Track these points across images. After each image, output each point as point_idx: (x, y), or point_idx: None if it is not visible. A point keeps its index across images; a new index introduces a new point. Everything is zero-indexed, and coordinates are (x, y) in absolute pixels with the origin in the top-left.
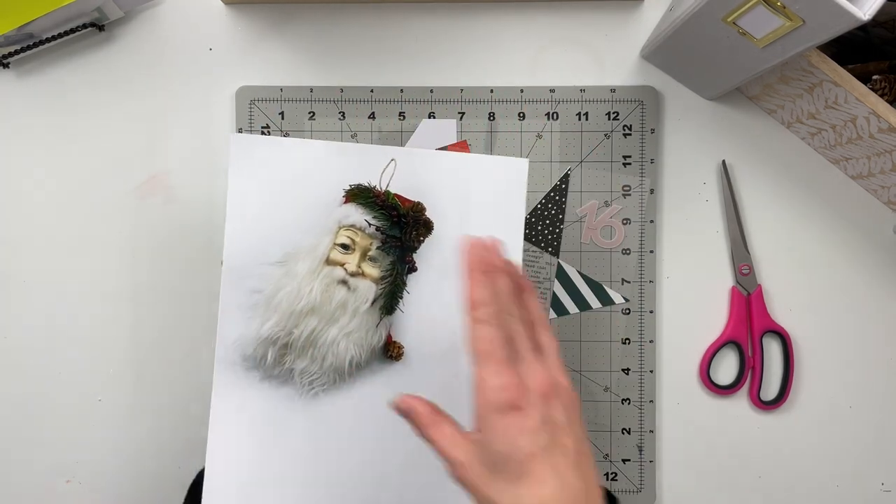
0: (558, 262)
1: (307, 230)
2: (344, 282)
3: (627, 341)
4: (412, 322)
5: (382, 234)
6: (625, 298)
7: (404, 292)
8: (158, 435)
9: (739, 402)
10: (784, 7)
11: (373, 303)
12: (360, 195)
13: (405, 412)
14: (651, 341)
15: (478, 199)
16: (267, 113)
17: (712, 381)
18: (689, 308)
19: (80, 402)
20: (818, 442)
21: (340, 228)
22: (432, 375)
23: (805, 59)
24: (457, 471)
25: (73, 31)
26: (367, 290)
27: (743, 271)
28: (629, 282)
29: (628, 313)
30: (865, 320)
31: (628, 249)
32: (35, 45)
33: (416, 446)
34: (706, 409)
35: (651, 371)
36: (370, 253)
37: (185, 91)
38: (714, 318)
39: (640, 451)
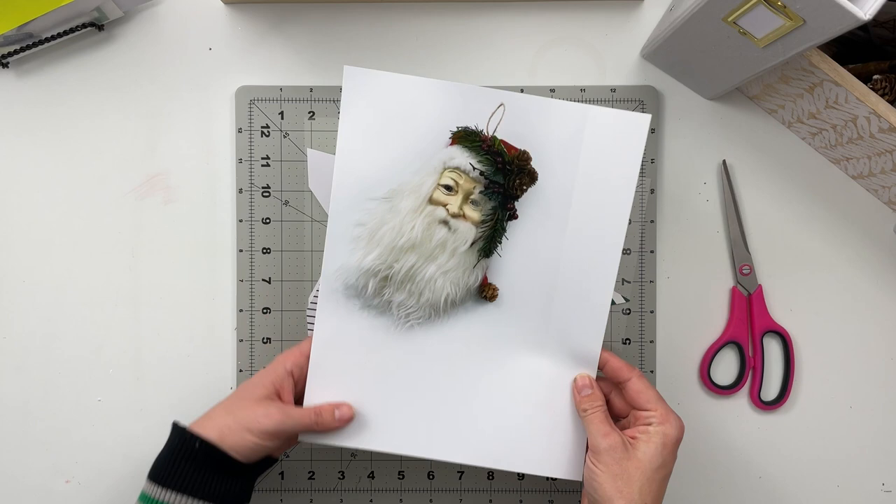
0: None
1: (413, 169)
2: (445, 222)
3: (628, 341)
4: (508, 267)
5: (486, 178)
6: (625, 298)
7: (503, 238)
8: (158, 435)
9: (739, 403)
10: (784, 7)
11: (472, 245)
12: (466, 138)
13: (579, 387)
14: (651, 341)
15: (589, 153)
16: (267, 113)
17: (712, 382)
18: (690, 308)
19: (80, 402)
20: (818, 442)
21: (445, 169)
22: (524, 319)
23: (805, 58)
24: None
25: (72, 30)
26: (467, 231)
27: (743, 271)
28: (629, 282)
29: (628, 313)
30: (865, 320)
31: (628, 249)
32: (34, 44)
33: (500, 381)
34: (706, 409)
35: (651, 371)
36: (473, 196)
37: (185, 91)
38: (714, 318)
39: None
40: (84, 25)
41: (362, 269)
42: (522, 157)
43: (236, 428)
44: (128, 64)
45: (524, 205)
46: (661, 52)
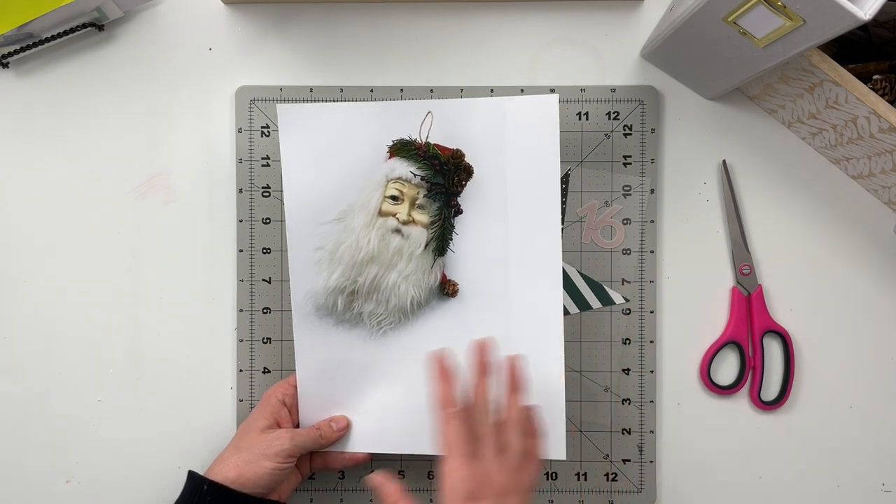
0: None
1: (358, 187)
2: (397, 230)
3: (628, 341)
4: (463, 260)
5: (427, 182)
6: (625, 298)
7: (453, 234)
8: (158, 435)
9: (740, 403)
10: (784, 7)
11: (425, 246)
12: (402, 149)
13: (374, 487)
14: (651, 341)
15: (512, 139)
16: (267, 113)
17: (713, 382)
18: (690, 308)
19: (80, 402)
20: (818, 442)
21: (389, 181)
22: (486, 308)
23: (805, 58)
24: None
25: (72, 30)
26: (419, 235)
27: (743, 271)
28: (629, 282)
29: (629, 313)
30: (866, 320)
31: (628, 249)
32: (35, 44)
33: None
34: (706, 409)
35: (651, 371)
36: (418, 201)
37: (185, 91)
38: (714, 319)
39: (641, 451)
40: (84, 25)
41: (329, 288)
42: (456, 156)
43: (252, 459)
44: (128, 64)
45: (466, 199)
46: (661, 52)
